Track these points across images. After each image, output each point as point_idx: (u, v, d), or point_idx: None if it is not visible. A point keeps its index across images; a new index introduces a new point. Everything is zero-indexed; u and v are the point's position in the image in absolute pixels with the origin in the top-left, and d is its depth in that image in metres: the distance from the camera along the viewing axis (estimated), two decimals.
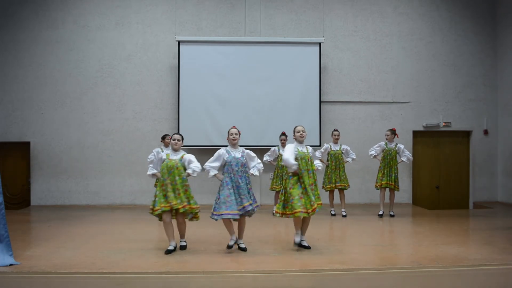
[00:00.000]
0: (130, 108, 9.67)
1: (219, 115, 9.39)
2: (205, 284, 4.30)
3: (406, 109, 9.95)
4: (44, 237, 6.23)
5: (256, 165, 5.27)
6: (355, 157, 8.13)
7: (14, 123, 9.56)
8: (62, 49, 9.63)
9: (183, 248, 5.30)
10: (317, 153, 7.51)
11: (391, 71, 9.94)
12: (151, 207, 5.21)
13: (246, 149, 5.35)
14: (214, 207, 5.09)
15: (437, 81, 10.01)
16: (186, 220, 5.34)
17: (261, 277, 4.36)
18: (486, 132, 10.05)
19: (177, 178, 5.10)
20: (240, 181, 5.09)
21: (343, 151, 8.10)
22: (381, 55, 9.94)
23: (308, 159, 5.24)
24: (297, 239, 5.24)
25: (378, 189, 8.11)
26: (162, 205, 5.06)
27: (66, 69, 9.63)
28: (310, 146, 5.53)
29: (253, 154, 5.32)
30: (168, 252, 5.10)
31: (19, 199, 9.73)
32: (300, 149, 5.29)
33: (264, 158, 7.74)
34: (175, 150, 5.26)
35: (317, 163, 5.44)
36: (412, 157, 8.15)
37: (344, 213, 8.00)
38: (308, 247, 5.32)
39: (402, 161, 8.00)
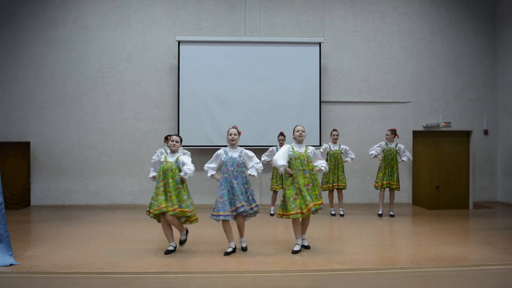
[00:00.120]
0: (130, 108, 9.67)
1: (219, 115, 9.40)
2: (205, 284, 4.30)
3: (406, 109, 9.95)
4: (44, 237, 6.24)
5: (254, 165, 5.15)
6: (354, 157, 8.15)
7: (14, 123, 9.56)
8: (62, 49, 9.63)
9: (181, 242, 5.26)
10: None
11: (391, 71, 9.94)
12: (147, 209, 5.26)
13: (245, 149, 5.29)
14: (213, 208, 5.10)
15: (437, 81, 10.01)
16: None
17: (261, 277, 4.36)
18: (486, 132, 10.05)
19: (170, 180, 5.01)
20: (234, 181, 5.03)
21: (342, 151, 8.12)
22: (381, 55, 9.94)
23: (304, 159, 5.19)
24: (295, 248, 5.19)
25: (377, 189, 8.13)
26: (155, 208, 5.02)
27: (66, 69, 9.63)
28: (311, 146, 5.49)
29: (251, 154, 5.21)
30: (168, 252, 5.10)
31: (19, 199, 9.73)
32: (296, 149, 5.28)
33: (262, 158, 7.74)
34: (173, 151, 5.21)
35: (321, 163, 5.38)
36: (412, 157, 8.17)
37: (341, 213, 8.03)
38: (308, 247, 5.32)
39: (403, 160, 8.02)
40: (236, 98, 9.46)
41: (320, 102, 9.59)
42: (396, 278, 4.43)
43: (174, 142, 5.18)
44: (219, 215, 4.99)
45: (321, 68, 9.64)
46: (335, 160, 8.01)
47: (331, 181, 8.02)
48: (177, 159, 5.12)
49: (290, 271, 4.45)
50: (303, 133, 5.31)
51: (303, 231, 5.36)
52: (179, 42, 9.47)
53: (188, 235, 5.42)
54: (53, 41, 9.61)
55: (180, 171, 5.07)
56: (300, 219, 5.25)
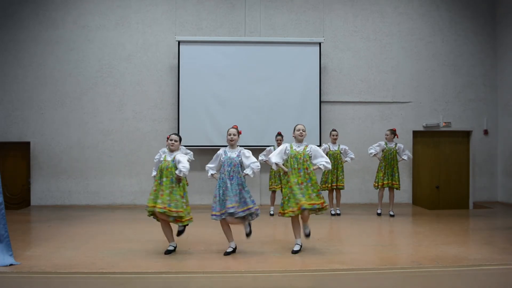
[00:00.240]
0: (130, 108, 9.67)
1: (219, 115, 9.40)
2: (205, 284, 4.30)
3: (406, 109, 9.95)
4: (44, 237, 6.24)
5: (250, 165, 5.04)
6: (353, 157, 8.17)
7: (14, 123, 9.55)
8: (62, 49, 9.63)
9: (179, 232, 5.19)
10: None
11: (391, 71, 9.94)
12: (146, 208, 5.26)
13: (244, 149, 5.24)
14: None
15: (437, 81, 10.01)
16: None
17: (261, 277, 4.36)
18: (486, 132, 10.05)
19: (164, 179, 4.99)
20: (228, 182, 4.99)
21: (341, 151, 8.14)
22: (381, 55, 9.94)
23: (301, 158, 5.17)
24: (295, 248, 5.18)
25: (377, 189, 8.17)
26: (147, 204, 5.05)
27: (66, 69, 9.63)
28: (313, 144, 5.41)
29: (248, 153, 5.13)
30: (168, 252, 5.10)
31: (19, 199, 9.73)
32: (294, 147, 5.28)
33: (260, 158, 7.73)
34: (172, 151, 5.19)
35: (320, 161, 5.23)
36: (411, 156, 8.21)
37: (338, 211, 8.10)
38: (307, 235, 5.27)
39: (403, 159, 8.08)
40: (236, 98, 9.46)
41: (320, 102, 9.59)
42: (396, 278, 4.43)
43: (173, 141, 5.18)
44: (212, 215, 5.03)
45: (321, 68, 9.64)
46: (334, 160, 8.01)
47: (329, 181, 8.04)
48: (174, 158, 5.10)
49: (290, 271, 4.45)
50: (303, 133, 5.29)
51: (304, 220, 5.21)
52: (179, 42, 9.47)
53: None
54: (53, 41, 9.61)
55: (176, 169, 5.05)
56: (299, 218, 5.24)
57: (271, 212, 8.19)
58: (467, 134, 10.17)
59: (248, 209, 4.99)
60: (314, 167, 5.22)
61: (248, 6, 9.74)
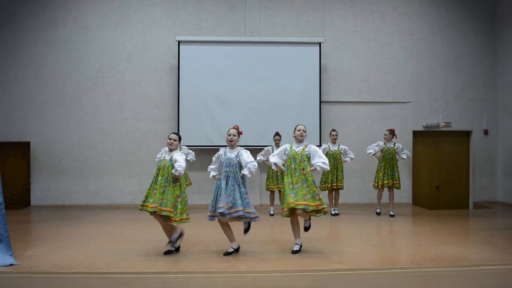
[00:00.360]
0: (130, 108, 9.67)
1: (219, 115, 9.40)
2: (205, 284, 4.30)
3: (406, 109, 9.95)
4: (44, 237, 6.24)
5: (247, 164, 4.96)
6: (353, 157, 8.19)
7: (14, 123, 9.55)
8: (62, 49, 9.63)
9: (166, 252, 5.08)
10: None
11: (391, 71, 9.94)
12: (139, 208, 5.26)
13: (243, 149, 5.19)
14: None
15: (437, 81, 10.01)
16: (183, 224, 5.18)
17: (261, 277, 4.36)
18: (486, 132, 10.05)
19: (159, 178, 4.97)
20: (223, 182, 4.96)
21: (341, 151, 8.16)
22: (381, 55, 9.94)
23: (298, 158, 5.13)
24: (295, 248, 5.17)
25: (376, 189, 8.18)
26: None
27: (66, 69, 9.63)
28: (312, 144, 5.35)
29: (246, 153, 5.06)
30: (168, 252, 5.09)
31: (19, 199, 9.73)
32: (294, 148, 5.27)
33: (258, 158, 7.72)
34: (171, 150, 5.16)
35: (317, 162, 5.11)
36: (410, 154, 8.25)
37: (336, 211, 8.12)
38: (306, 228, 5.27)
39: (402, 158, 8.11)
40: (236, 98, 9.46)
41: (320, 102, 9.59)
42: (396, 278, 4.43)
43: (172, 141, 5.14)
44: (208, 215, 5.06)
45: (321, 68, 9.64)
46: (334, 160, 8.03)
47: (329, 181, 8.06)
48: (172, 157, 5.07)
49: (290, 271, 4.44)
50: (303, 133, 5.26)
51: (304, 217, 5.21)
52: (179, 42, 9.47)
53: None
54: (53, 41, 9.61)
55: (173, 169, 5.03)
56: (295, 219, 5.23)
57: (271, 212, 8.19)
58: (467, 134, 10.17)
59: (237, 211, 4.86)
60: (311, 168, 5.14)
61: (248, 6, 9.74)
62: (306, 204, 4.98)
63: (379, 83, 9.91)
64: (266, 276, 4.36)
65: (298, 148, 5.25)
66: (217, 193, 4.99)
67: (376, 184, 8.09)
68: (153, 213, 4.95)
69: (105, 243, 5.69)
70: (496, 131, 10.08)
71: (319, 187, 8.07)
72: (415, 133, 10.00)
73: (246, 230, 5.21)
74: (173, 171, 4.92)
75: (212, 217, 5.03)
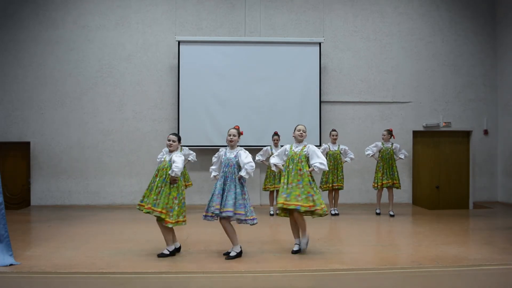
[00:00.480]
0: (130, 108, 9.67)
1: (219, 115, 9.40)
2: (205, 284, 4.30)
3: (406, 109, 9.95)
4: (44, 237, 6.23)
5: (244, 165, 4.90)
6: (353, 157, 8.21)
7: (14, 123, 9.55)
8: (62, 49, 9.63)
9: (159, 255, 4.96)
10: None
11: (391, 71, 9.94)
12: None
13: (243, 149, 5.13)
14: None
15: (437, 81, 10.01)
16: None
17: (261, 277, 4.36)
18: (486, 132, 10.05)
19: (157, 179, 4.96)
20: (219, 182, 4.94)
21: (341, 151, 8.17)
22: (381, 55, 9.94)
23: (296, 158, 5.10)
24: (295, 248, 5.17)
25: (376, 189, 8.19)
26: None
27: (66, 69, 9.63)
28: (312, 144, 5.30)
29: (244, 153, 4.98)
30: (162, 255, 4.96)
31: (19, 199, 9.73)
32: (293, 148, 5.26)
33: (256, 158, 7.74)
34: (171, 151, 5.11)
35: (315, 162, 5.06)
36: (408, 154, 8.37)
37: (336, 211, 8.12)
38: (298, 251, 5.19)
39: (400, 158, 8.15)
40: (236, 98, 9.46)
41: (320, 102, 9.59)
42: (396, 278, 4.43)
43: (171, 142, 5.09)
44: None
45: (321, 68, 9.64)
46: (334, 161, 8.04)
47: (330, 181, 8.07)
48: (171, 158, 5.03)
49: (290, 271, 4.45)
50: (303, 133, 5.24)
51: (301, 227, 5.14)
52: (179, 42, 9.47)
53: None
54: (53, 41, 9.61)
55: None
56: (293, 220, 5.21)
57: (271, 212, 8.19)
58: (467, 134, 10.17)
59: (227, 211, 4.77)
60: (310, 169, 5.09)
61: (248, 6, 9.74)
62: (298, 205, 4.94)
63: (379, 83, 9.91)
64: (266, 276, 4.37)
65: (297, 149, 5.23)
66: (213, 193, 4.97)
67: (375, 185, 8.10)
68: (148, 214, 4.95)
69: (105, 243, 5.69)
70: (496, 131, 10.08)
71: (320, 187, 8.07)
72: (415, 133, 10.00)
73: (228, 255, 4.96)
74: (169, 172, 4.89)
75: (206, 217, 4.98)
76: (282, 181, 5.15)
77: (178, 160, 4.92)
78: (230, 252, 4.97)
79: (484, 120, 10.07)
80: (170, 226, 4.86)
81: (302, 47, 9.62)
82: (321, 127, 9.53)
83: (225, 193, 4.87)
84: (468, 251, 5.28)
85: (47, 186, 9.53)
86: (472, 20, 10.09)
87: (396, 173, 8.02)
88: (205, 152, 9.12)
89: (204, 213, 5.00)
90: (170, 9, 9.74)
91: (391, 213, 7.98)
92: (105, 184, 9.58)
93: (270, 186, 8.12)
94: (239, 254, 4.97)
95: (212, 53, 9.50)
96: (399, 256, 5.13)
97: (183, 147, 8.23)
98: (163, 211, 4.82)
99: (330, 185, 8.07)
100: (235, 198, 4.85)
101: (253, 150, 7.68)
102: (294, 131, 5.30)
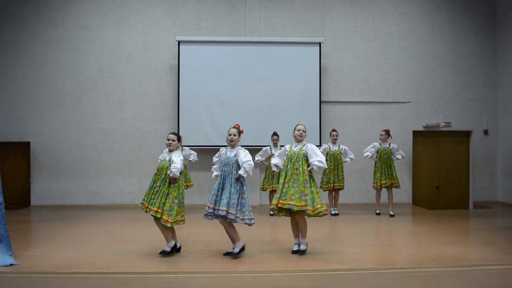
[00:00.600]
0: (130, 108, 9.67)
1: (219, 115, 9.40)
2: (205, 284, 4.30)
3: (406, 109, 9.95)
4: (44, 237, 6.24)
5: (243, 164, 4.88)
6: (353, 157, 8.23)
7: (14, 123, 9.55)
8: (62, 49, 9.63)
9: (161, 253, 4.99)
10: None
11: (391, 71, 9.94)
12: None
13: (243, 148, 5.13)
14: None
15: (437, 81, 10.01)
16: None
17: (261, 277, 4.36)
18: (486, 132, 10.05)
19: (157, 178, 4.97)
20: (218, 181, 4.95)
21: (341, 151, 8.17)
22: (381, 55, 9.94)
23: (294, 158, 5.09)
24: (295, 248, 5.17)
25: (376, 190, 8.20)
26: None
27: (66, 69, 9.63)
28: (310, 144, 5.27)
29: (243, 152, 4.97)
30: (163, 253, 4.99)
31: (19, 199, 9.73)
32: (293, 148, 5.25)
33: (256, 158, 7.74)
34: (171, 150, 5.10)
35: (313, 161, 5.03)
36: (404, 154, 8.40)
37: (336, 211, 8.12)
38: (299, 251, 5.19)
39: (397, 158, 8.17)
40: (236, 98, 9.46)
41: (320, 102, 9.59)
42: (396, 278, 4.43)
43: (170, 141, 5.08)
44: None
45: (321, 68, 9.64)
46: (334, 161, 8.05)
47: (331, 181, 8.08)
48: (171, 158, 5.02)
49: (290, 271, 4.44)
50: (303, 133, 5.23)
51: (301, 233, 5.17)
52: (179, 42, 9.47)
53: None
54: (53, 41, 9.61)
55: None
56: (293, 220, 5.21)
57: (271, 212, 8.19)
58: (467, 134, 10.17)
59: (219, 210, 4.78)
60: (309, 168, 5.08)
61: (248, 6, 9.74)
62: (291, 204, 4.93)
63: (379, 83, 9.91)
64: (266, 276, 4.36)
65: (296, 148, 5.22)
66: (212, 192, 4.99)
67: (375, 185, 8.12)
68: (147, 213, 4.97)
69: (105, 243, 5.69)
70: (496, 131, 10.08)
71: (321, 187, 8.07)
72: (415, 133, 9.99)
73: (232, 254, 4.97)
74: (168, 172, 4.89)
75: (206, 216, 4.98)
76: (280, 181, 5.16)
77: (176, 160, 4.91)
78: (232, 251, 4.97)
79: (484, 120, 10.07)
80: (168, 225, 4.86)
81: (302, 47, 9.62)
82: (321, 127, 9.53)
83: (222, 193, 4.88)
84: (468, 251, 5.28)
85: (47, 186, 9.53)
86: (472, 20, 10.09)
87: (394, 173, 8.04)
88: (205, 152, 9.12)
89: (205, 212, 5.00)
90: (170, 9, 9.74)
91: (391, 213, 7.98)
92: (105, 184, 9.58)
93: (268, 186, 8.13)
94: (243, 249, 4.99)
95: (212, 53, 9.50)
96: (399, 256, 5.13)
97: (184, 147, 8.23)
98: (159, 210, 4.83)
99: (331, 185, 8.08)
100: (229, 197, 4.83)
101: (253, 150, 7.67)
102: (294, 130, 5.30)
